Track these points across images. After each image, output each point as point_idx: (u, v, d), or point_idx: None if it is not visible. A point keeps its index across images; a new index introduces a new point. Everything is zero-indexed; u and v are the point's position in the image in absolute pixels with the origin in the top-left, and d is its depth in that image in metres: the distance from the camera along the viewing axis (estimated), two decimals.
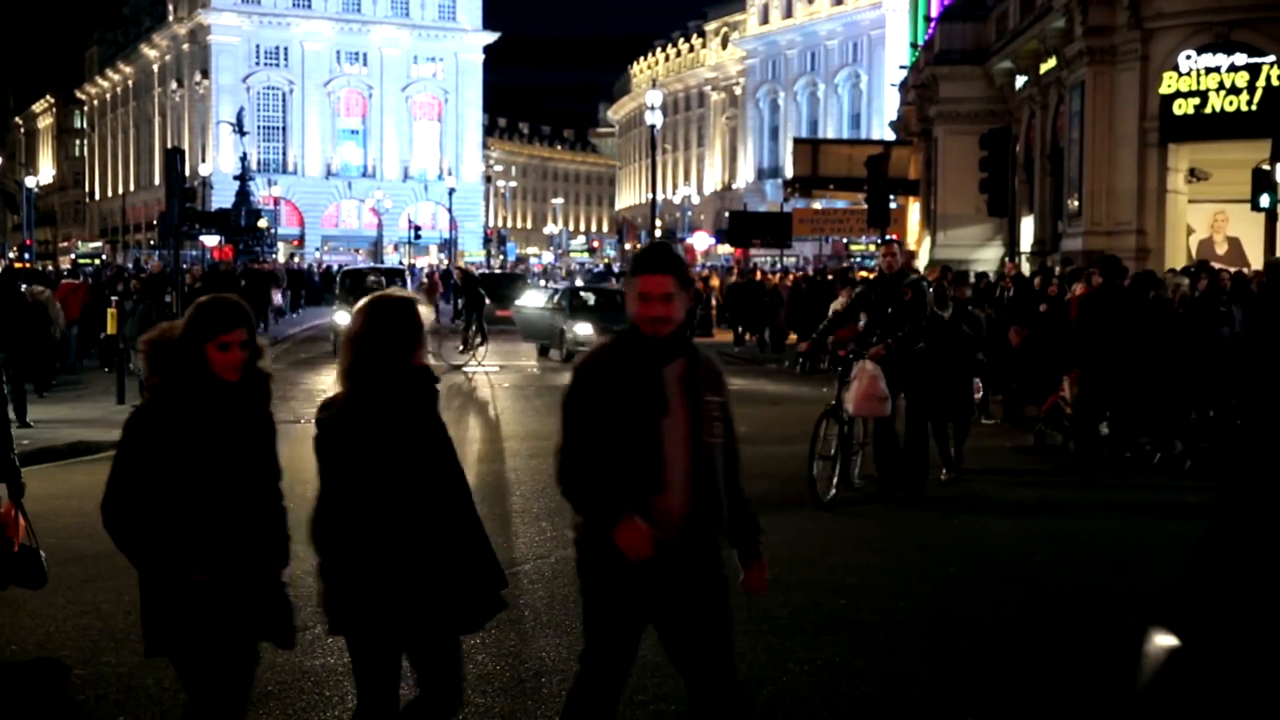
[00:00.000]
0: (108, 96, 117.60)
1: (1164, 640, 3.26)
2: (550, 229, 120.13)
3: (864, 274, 24.60)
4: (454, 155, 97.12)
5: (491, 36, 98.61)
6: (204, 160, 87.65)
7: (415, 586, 4.02)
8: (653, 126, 42.64)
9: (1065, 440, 13.37)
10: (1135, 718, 3.75)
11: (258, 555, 4.13)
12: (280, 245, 77.54)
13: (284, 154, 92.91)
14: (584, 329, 24.54)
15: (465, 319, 25.74)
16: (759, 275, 34.15)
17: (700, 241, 66.22)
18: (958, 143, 32.19)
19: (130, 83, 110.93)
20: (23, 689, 6.10)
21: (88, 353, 23.51)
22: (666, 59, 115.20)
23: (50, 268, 54.16)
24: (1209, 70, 23.11)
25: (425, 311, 4.19)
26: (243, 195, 66.61)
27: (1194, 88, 23.30)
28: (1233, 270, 17.85)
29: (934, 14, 37.07)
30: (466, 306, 25.85)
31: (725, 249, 64.49)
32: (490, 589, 4.22)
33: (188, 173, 40.72)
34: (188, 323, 4.08)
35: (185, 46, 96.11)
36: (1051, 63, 27.71)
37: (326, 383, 19.27)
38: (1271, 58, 22.45)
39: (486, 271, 51.07)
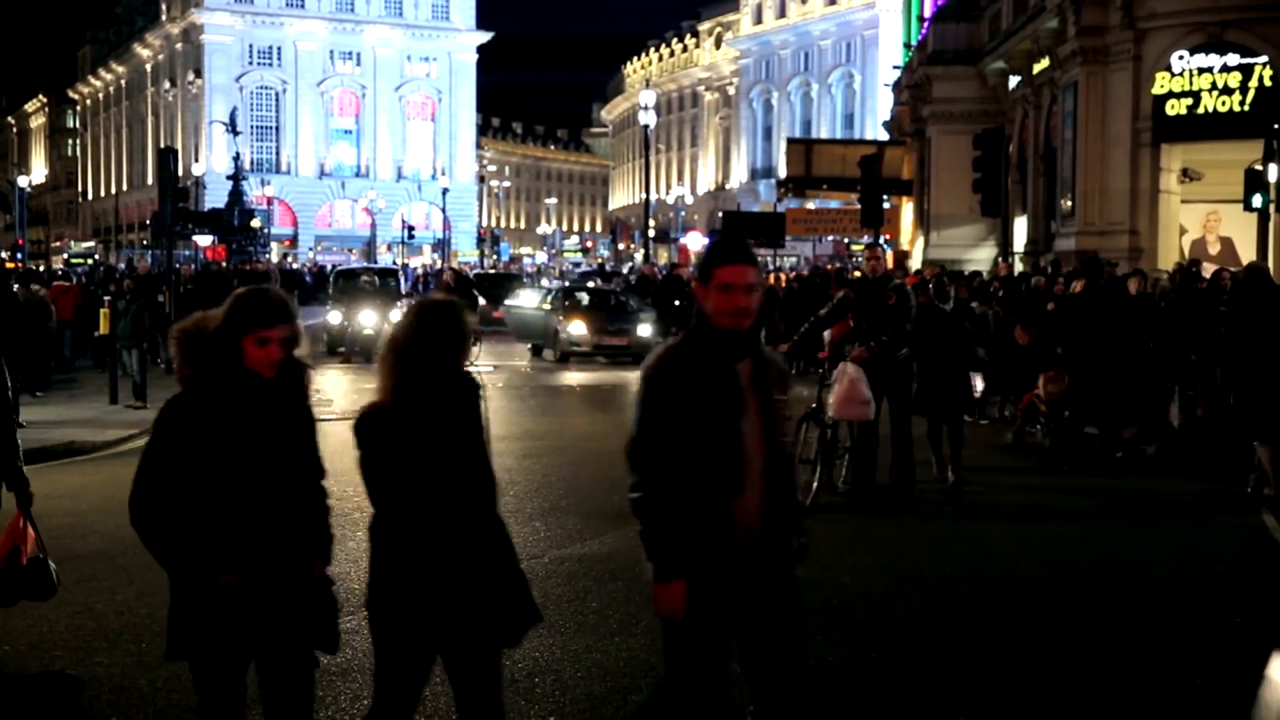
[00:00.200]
0: (100, 96, 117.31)
1: None
2: (544, 229, 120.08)
3: (858, 274, 24.55)
4: (448, 155, 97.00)
5: (485, 36, 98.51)
6: (197, 160, 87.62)
7: (465, 595, 3.93)
8: (646, 126, 42.64)
9: (1043, 437, 13.50)
10: None
11: (296, 557, 3.95)
12: (273, 245, 77.54)
13: (277, 154, 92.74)
14: (578, 329, 24.51)
15: None
16: None
17: (694, 242, 66.19)
18: (951, 143, 32.18)
19: (123, 82, 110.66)
20: (21, 689, 6.09)
21: (82, 353, 23.48)
22: (660, 59, 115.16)
23: (43, 267, 54.04)
24: (1202, 70, 23.15)
25: (470, 316, 4.14)
26: (236, 195, 66.56)
27: (1187, 88, 23.34)
28: (1231, 270, 17.88)
29: (927, 14, 37.12)
30: None
31: None
32: (525, 600, 4.10)
33: (181, 172, 40.76)
34: (226, 313, 3.92)
35: (178, 46, 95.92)
36: (1045, 63, 27.73)
37: (323, 382, 19.24)
38: (1264, 58, 22.49)
39: (481, 272, 51.00)
